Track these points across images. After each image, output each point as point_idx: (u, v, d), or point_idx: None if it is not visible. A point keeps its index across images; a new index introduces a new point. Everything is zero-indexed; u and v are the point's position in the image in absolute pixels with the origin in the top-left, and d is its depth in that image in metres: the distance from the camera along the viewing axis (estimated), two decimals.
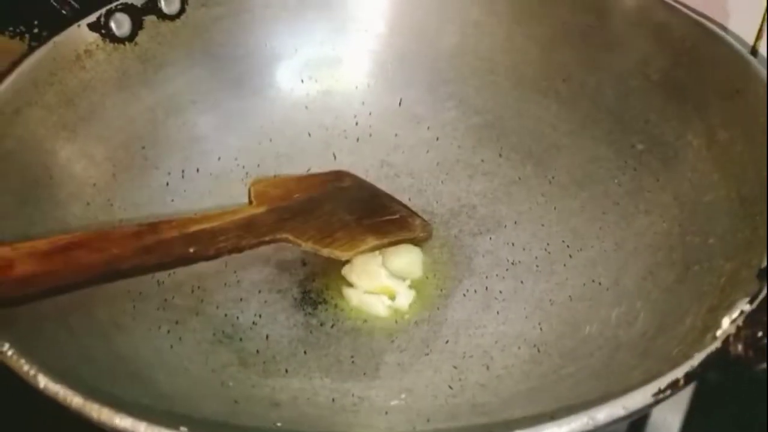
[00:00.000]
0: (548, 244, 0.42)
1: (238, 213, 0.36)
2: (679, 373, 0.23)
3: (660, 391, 0.22)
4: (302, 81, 0.49)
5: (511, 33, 0.47)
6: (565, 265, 0.40)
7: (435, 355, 0.37)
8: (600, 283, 0.38)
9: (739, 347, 0.23)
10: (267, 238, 0.36)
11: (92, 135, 0.41)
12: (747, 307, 0.25)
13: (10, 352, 0.24)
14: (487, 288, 0.40)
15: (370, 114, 0.50)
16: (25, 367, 0.24)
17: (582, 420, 0.21)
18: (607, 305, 0.36)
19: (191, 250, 0.32)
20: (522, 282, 0.40)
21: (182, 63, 0.44)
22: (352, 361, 0.37)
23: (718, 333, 0.25)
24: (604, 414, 0.22)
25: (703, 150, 0.38)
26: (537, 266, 0.41)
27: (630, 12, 0.43)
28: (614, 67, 0.44)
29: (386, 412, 0.33)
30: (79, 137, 0.41)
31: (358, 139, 0.49)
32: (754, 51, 0.42)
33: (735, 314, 0.25)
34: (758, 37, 0.42)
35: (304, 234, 0.38)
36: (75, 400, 0.22)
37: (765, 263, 0.27)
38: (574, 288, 0.39)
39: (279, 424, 0.31)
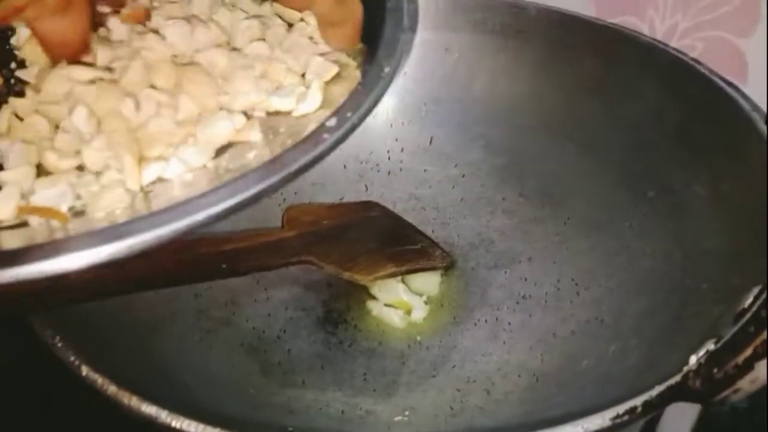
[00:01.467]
0: (558, 280, 0.44)
1: (269, 235, 0.40)
2: (637, 401, 0.25)
3: (618, 416, 0.25)
4: None
5: (537, 80, 0.50)
6: (571, 301, 0.43)
7: (441, 377, 0.39)
8: (602, 321, 0.40)
9: (697, 383, 0.25)
10: (293, 260, 0.40)
11: None
12: (711, 347, 0.27)
13: (60, 344, 0.28)
14: (497, 319, 0.43)
15: (402, 150, 0.53)
16: (71, 357, 0.28)
17: None
18: (606, 341, 0.38)
19: (223, 266, 0.36)
20: (530, 315, 0.43)
21: None
22: (364, 378, 0.40)
23: (685, 368, 0.27)
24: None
25: (707, 200, 0.40)
26: (546, 301, 0.43)
27: (650, 68, 0.45)
28: (631, 118, 0.46)
29: (389, 427, 0.36)
30: None
31: (389, 173, 0.52)
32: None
33: (701, 352, 0.27)
34: None
35: (327, 257, 0.41)
36: (110, 388, 0.26)
37: (743, 306, 0.29)
38: (578, 323, 0.41)
39: (291, 429, 0.34)
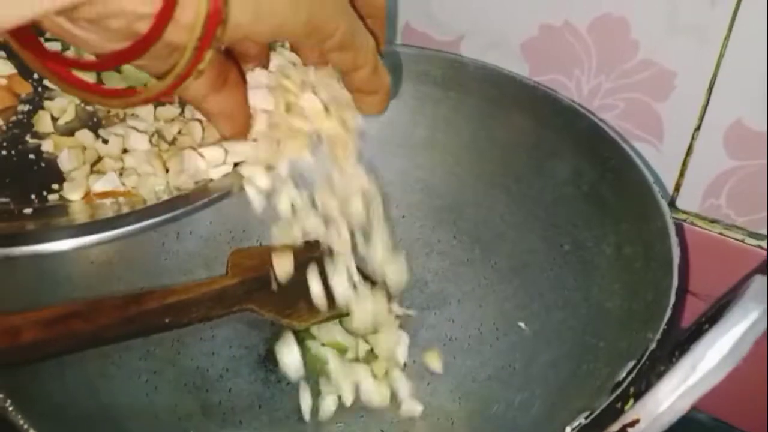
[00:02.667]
0: (481, 324, 0.48)
1: (212, 284, 0.44)
2: None
3: None
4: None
5: (475, 133, 0.54)
6: (491, 345, 0.47)
7: (367, 419, 0.43)
8: (514, 369, 0.44)
9: None
10: (234, 309, 0.43)
11: None
12: (583, 421, 0.31)
13: (10, 408, 0.32)
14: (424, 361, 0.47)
15: None
16: (21, 421, 0.31)
17: None
18: (515, 389, 0.42)
19: (167, 320, 0.40)
20: (454, 357, 0.47)
21: None
22: (298, 418, 0.43)
23: None
24: None
25: (611, 260, 0.44)
26: (469, 344, 0.47)
27: (571, 129, 0.49)
28: (555, 175, 0.50)
29: None
30: None
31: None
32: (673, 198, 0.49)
33: (575, 424, 0.31)
34: (681, 173, 0.49)
35: (267, 305, 0.45)
36: None
37: (618, 379, 0.33)
38: (494, 369, 0.45)
39: None
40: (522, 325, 0.47)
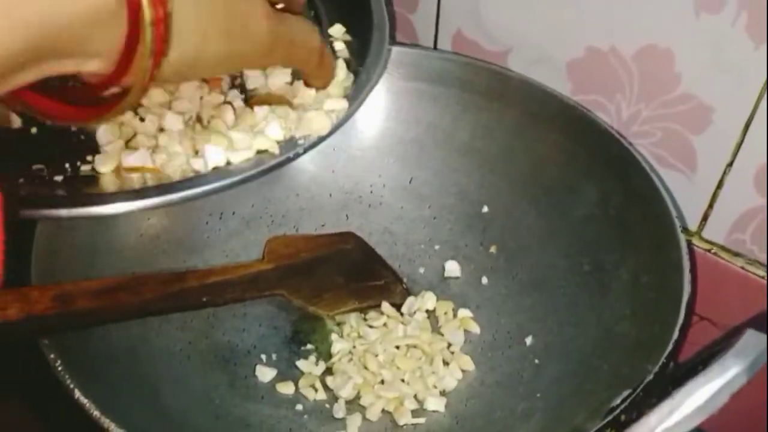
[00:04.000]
0: (497, 331, 0.51)
1: (248, 268, 0.47)
2: None
3: None
4: (333, 149, 0.59)
5: (512, 144, 0.56)
6: (503, 353, 0.49)
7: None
8: (522, 377, 0.47)
9: None
10: (266, 293, 0.47)
11: None
12: None
13: (60, 367, 0.36)
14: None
15: (383, 186, 0.59)
16: (68, 381, 0.35)
17: None
18: (518, 397, 0.45)
19: (204, 299, 0.43)
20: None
21: None
22: (314, 400, 0.47)
23: None
24: None
25: (627, 285, 0.46)
26: (482, 349, 0.50)
27: (604, 152, 0.51)
28: (584, 194, 0.52)
29: None
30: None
31: (369, 206, 0.59)
32: (705, 216, 0.50)
33: None
34: (710, 205, 0.50)
35: (297, 292, 0.48)
36: (94, 412, 0.34)
37: (613, 404, 0.36)
38: (502, 375, 0.47)
39: None
40: (533, 338, 0.49)
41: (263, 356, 0.49)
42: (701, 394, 0.26)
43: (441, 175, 0.58)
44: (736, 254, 0.52)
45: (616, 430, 0.32)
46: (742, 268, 0.51)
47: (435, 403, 0.45)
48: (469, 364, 0.48)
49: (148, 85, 0.25)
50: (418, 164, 0.59)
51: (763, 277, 0.51)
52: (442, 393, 0.46)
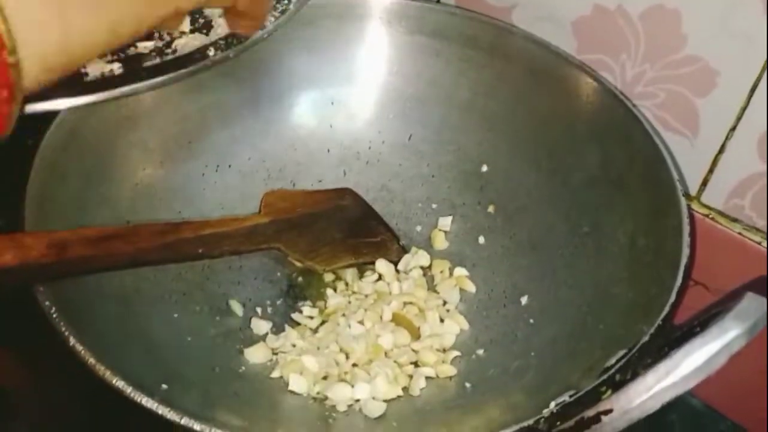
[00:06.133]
0: (492, 290, 0.51)
1: (244, 221, 0.47)
2: None
3: None
4: (332, 103, 0.59)
5: (514, 103, 0.55)
6: (497, 312, 0.49)
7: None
8: (516, 336, 0.47)
9: (545, 428, 0.32)
10: (263, 246, 0.46)
11: (151, 126, 0.52)
12: (567, 399, 0.34)
13: (54, 315, 0.35)
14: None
15: (383, 142, 0.59)
16: (63, 328, 0.35)
17: None
18: (512, 356, 0.45)
19: (200, 250, 0.43)
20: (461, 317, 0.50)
21: (230, 79, 0.54)
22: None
23: (545, 411, 0.34)
24: None
25: (625, 248, 0.46)
26: (477, 307, 0.50)
27: (608, 113, 0.50)
28: (586, 157, 0.51)
29: (324, 399, 0.43)
30: (140, 127, 0.51)
31: (367, 162, 0.58)
32: (704, 181, 0.50)
33: (560, 400, 0.34)
34: (710, 170, 0.49)
35: (294, 246, 0.48)
36: (90, 359, 0.34)
37: (607, 364, 0.36)
38: (498, 334, 0.48)
39: (236, 393, 0.41)
40: (529, 298, 0.49)
41: (258, 309, 0.49)
42: (700, 355, 0.26)
43: (440, 132, 0.57)
44: (734, 220, 0.52)
45: (612, 389, 0.32)
46: (740, 234, 0.51)
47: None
48: (463, 323, 0.48)
49: (24, 89, 0.22)
50: (417, 121, 0.58)
51: (760, 243, 0.51)
52: (440, 350, 0.46)
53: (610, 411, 0.27)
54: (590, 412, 0.28)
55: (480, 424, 0.39)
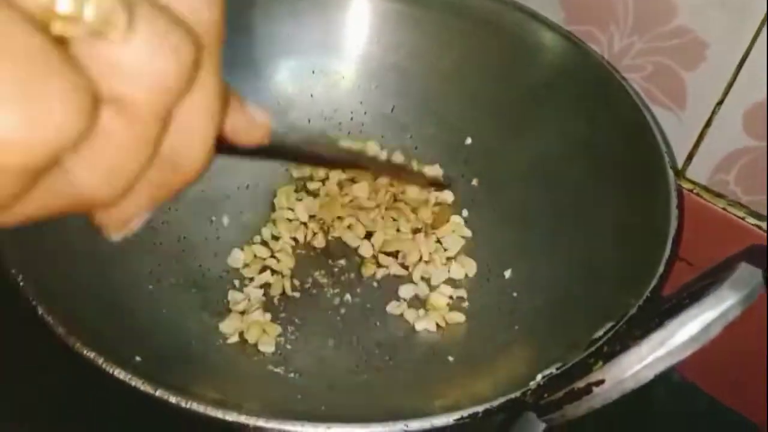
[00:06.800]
0: (476, 263, 0.50)
1: None
2: (479, 408, 0.32)
3: (462, 418, 0.31)
4: (313, 72, 0.57)
5: (498, 74, 0.54)
6: (482, 285, 0.48)
7: (359, 334, 0.46)
8: (500, 309, 0.46)
9: (532, 400, 0.32)
10: None
11: None
12: (554, 371, 0.33)
13: (22, 283, 0.34)
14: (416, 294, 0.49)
15: (365, 113, 0.57)
16: (30, 297, 0.33)
17: (398, 426, 0.31)
18: (497, 329, 0.44)
19: None
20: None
21: None
22: (294, 322, 0.46)
23: (531, 383, 0.33)
24: (416, 425, 0.31)
25: (609, 222, 0.45)
26: (459, 280, 0.49)
27: (594, 85, 0.49)
28: (571, 129, 0.50)
29: (301, 374, 0.42)
30: None
31: (349, 133, 0.57)
32: (690, 156, 0.49)
33: (547, 372, 0.33)
34: (696, 144, 0.49)
35: None
36: (60, 329, 0.32)
37: (594, 336, 0.35)
38: (481, 307, 0.47)
39: (214, 366, 0.40)
40: (512, 272, 0.48)
41: (236, 282, 0.47)
42: (695, 324, 0.26)
43: (424, 104, 0.56)
44: (718, 195, 0.51)
45: (603, 360, 0.31)
46: (723, 209, 0.51)
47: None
48: (470, 266, 0.49)
49: None
50: (400, 92, 0.57)
51: (743, 219, 0.51)
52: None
53: (602, 382, 0.26)
54: (580, 384, 0.28)
55: (463, 396, 0.38)
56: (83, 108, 0.14)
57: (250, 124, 0.21)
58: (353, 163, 0.33)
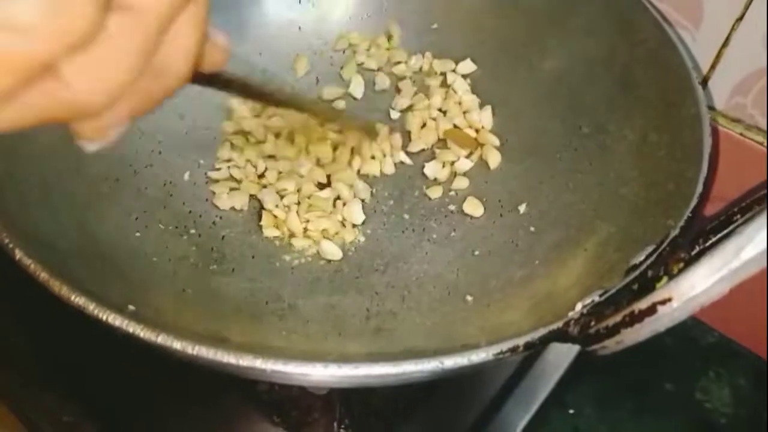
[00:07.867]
0: (486, 200, 0.47)
1: None
2: (520, 341, 0.28)
3: (501, 353, 0.28)
4: (300, 2, 0.52)
5: None
6: (494, 222, 0.45)
7: (363, 279, 0.42)
8: (517, 245, 0.43)
9: (576, 331, 0.29)
10: None
11: None
12: (597, 298, 0.30)
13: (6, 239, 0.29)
14: (424, 229, 0.45)
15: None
16: (6, 240, 0.29)
17: (433, 364, 0.27)
18: (516, 266, 0.41)
19: None
20: (455, 230, 0.45)
21: None
22: (292, 272, 0.42)
23: (570, 314, 0.30)
24: (451, 362, 0.28)
25: (633, 146, 0.42)
26: (471, 218, 0.46)
27: (611, 3, 0.46)
28: (585, 52, 0.47)
29: (308, 321, 0.39)
30: None
31: (342, 67, 0.53)
32: (705, 80, 0.46)
33: (587, 301, 0.30)
34: (712, 66, 0.46)
35: None
36: (42, 274, 0.28)
37: (634, 262, 0.32)
38: (496, 244, 0.44)
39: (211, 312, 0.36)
40: (527, 206, 0.45)
41: (230, 229, 0.44)
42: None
43: (421, 32, 0.52)
44: (735, 120, 0.49)
45: (641, 285, 0.28)
46: (741, 134, 0.48)
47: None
48: None
49: None
50: (396, 18, 0.53)
51: (762, 144, 0.48)
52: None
53: (668, 300, 0.23)
54: (642, 305, 0.25)
55: (488, 336, 0.35)
56: (99, 2, 0.15)
57: (212, 47, 0.21)
58: (293, 103, 0.33)
